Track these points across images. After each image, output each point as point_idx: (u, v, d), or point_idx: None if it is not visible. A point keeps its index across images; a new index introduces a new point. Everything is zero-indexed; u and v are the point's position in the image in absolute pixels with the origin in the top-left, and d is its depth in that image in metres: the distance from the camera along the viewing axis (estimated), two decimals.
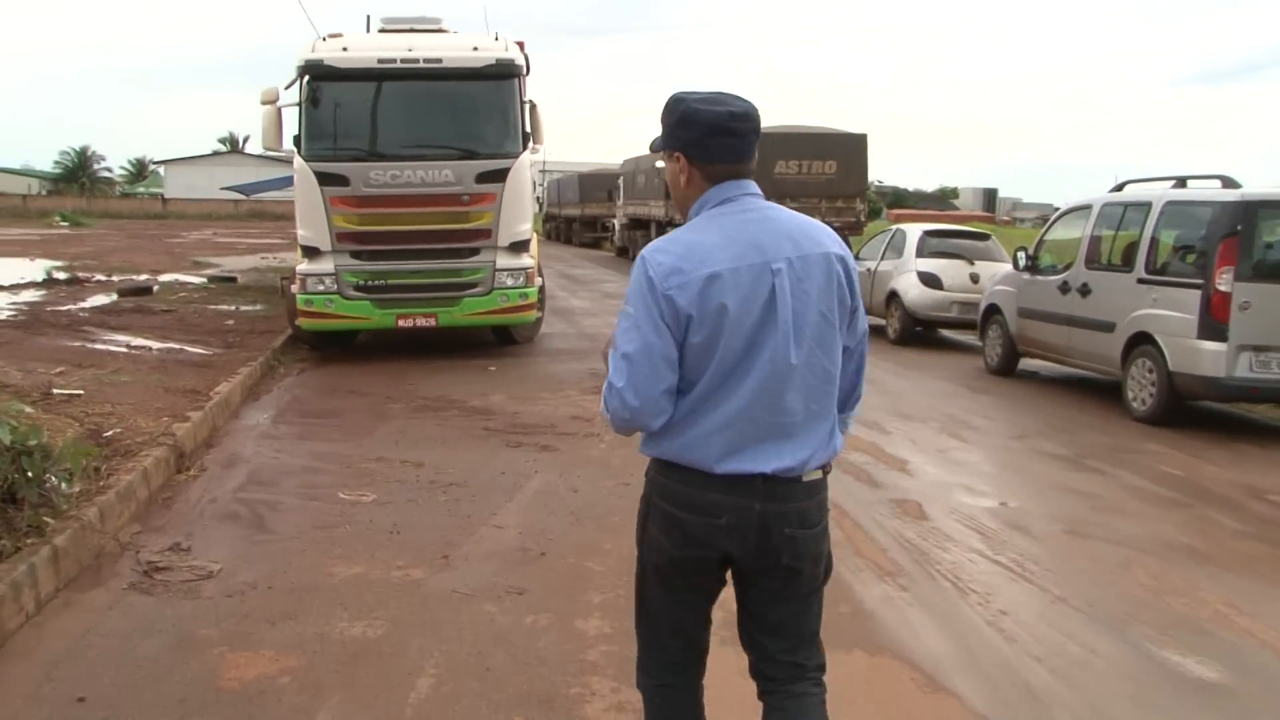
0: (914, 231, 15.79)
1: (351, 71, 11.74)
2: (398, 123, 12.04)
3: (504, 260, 12.24)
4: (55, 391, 8.52)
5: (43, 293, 19.16)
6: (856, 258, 16.45)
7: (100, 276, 22.83)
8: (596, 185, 41.66)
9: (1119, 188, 10.96)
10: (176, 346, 12.39)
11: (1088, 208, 11.01)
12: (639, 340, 2.50)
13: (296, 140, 11.88)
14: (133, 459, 6.53)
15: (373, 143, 12.00)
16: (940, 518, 6.32)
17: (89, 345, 12.25)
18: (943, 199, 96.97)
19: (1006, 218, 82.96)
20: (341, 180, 11.73)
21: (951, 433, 8.85)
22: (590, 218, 43.68)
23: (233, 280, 22.36)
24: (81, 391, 8.62)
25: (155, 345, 12.38)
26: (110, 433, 7.24)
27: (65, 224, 57.12)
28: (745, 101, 2.66)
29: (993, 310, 12.46)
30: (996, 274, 13.39)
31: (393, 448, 7.85)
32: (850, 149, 24.00)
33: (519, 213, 12.35)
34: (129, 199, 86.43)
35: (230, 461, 7.45)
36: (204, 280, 22.42)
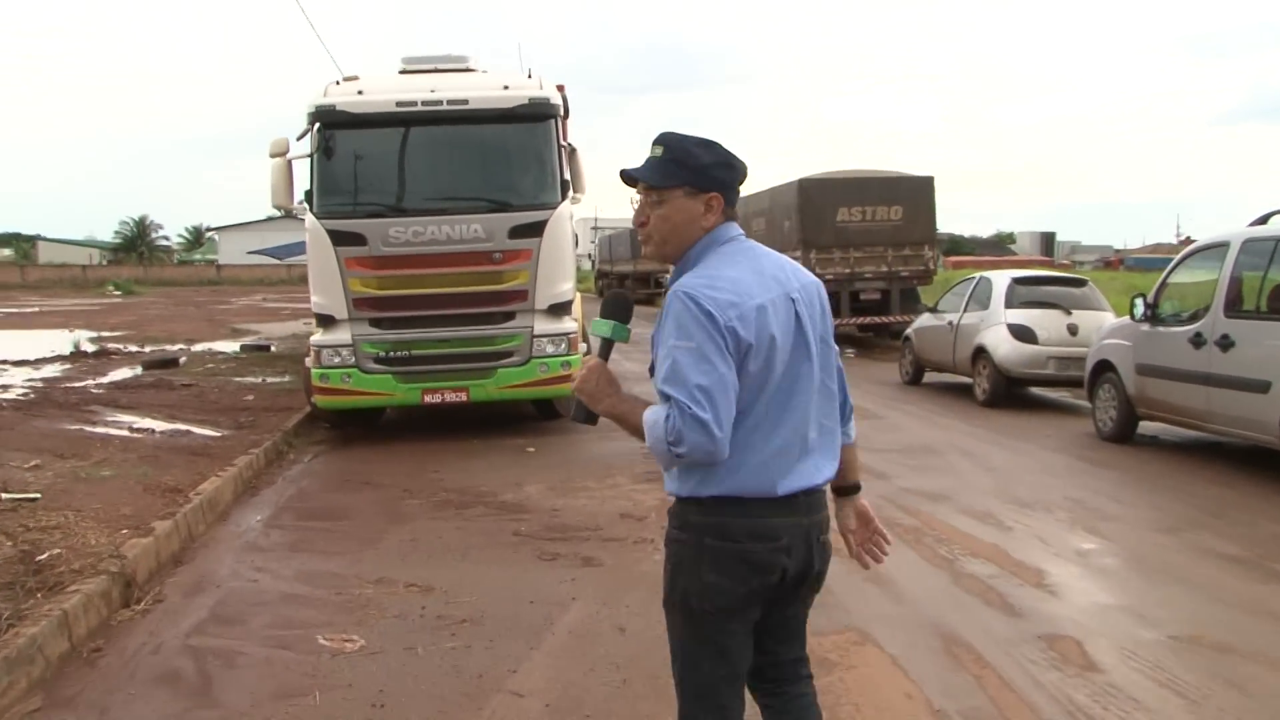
0: (1001, 280, 14.15)
1: (367, 117, 10.44)
2: (420, 173, 10.71)
3: (543, 325, 10.80)
4: (3, 496, 7.16)
5: (66, 367, 18.26)
6: (934, 310, 15.25)
7: (134, 348, 22.07)
8: None
9: (1262, 220, 9.28)
10: (183, 428, 11.11)
11: (1224, 245, 9.33)
12: (713, 372, 2.48)
13: (308, 196, 10.59)
14: (59, 595, 5.11)
15: (392, 196, 10.68)
16: (1113, 665, 4.68)
17: (86, 429, 11.01)
18: (999, 244, 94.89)
19: (1066, 261, 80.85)
20: (358, 239, 10.41)
21: (1086, 525, 7.18)
22: (643, 274, 42.71)
23: (266, 349, 21.27)
24: (39, 495, 7.25)
25: (160, 427, 11.12)
26: (47, 555, 5.83)
27: (118, 293, 57.22)
28: None
29: (1104, 367, 10.78)
30: (1102, 325, 11.75)
31: (400, 564, 6.37)
32: (916, 193, 22.41)
33: (559, 271, 10.92)
34: (185, 266, 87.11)
35: (196, 587, 6.01)
36: (237, 350, 21.32)
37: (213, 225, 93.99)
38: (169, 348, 21.93)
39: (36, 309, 40.35)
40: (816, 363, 2.69)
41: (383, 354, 10.61)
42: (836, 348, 2.87)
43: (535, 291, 10.72)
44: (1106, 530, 7.07)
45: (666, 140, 2.67)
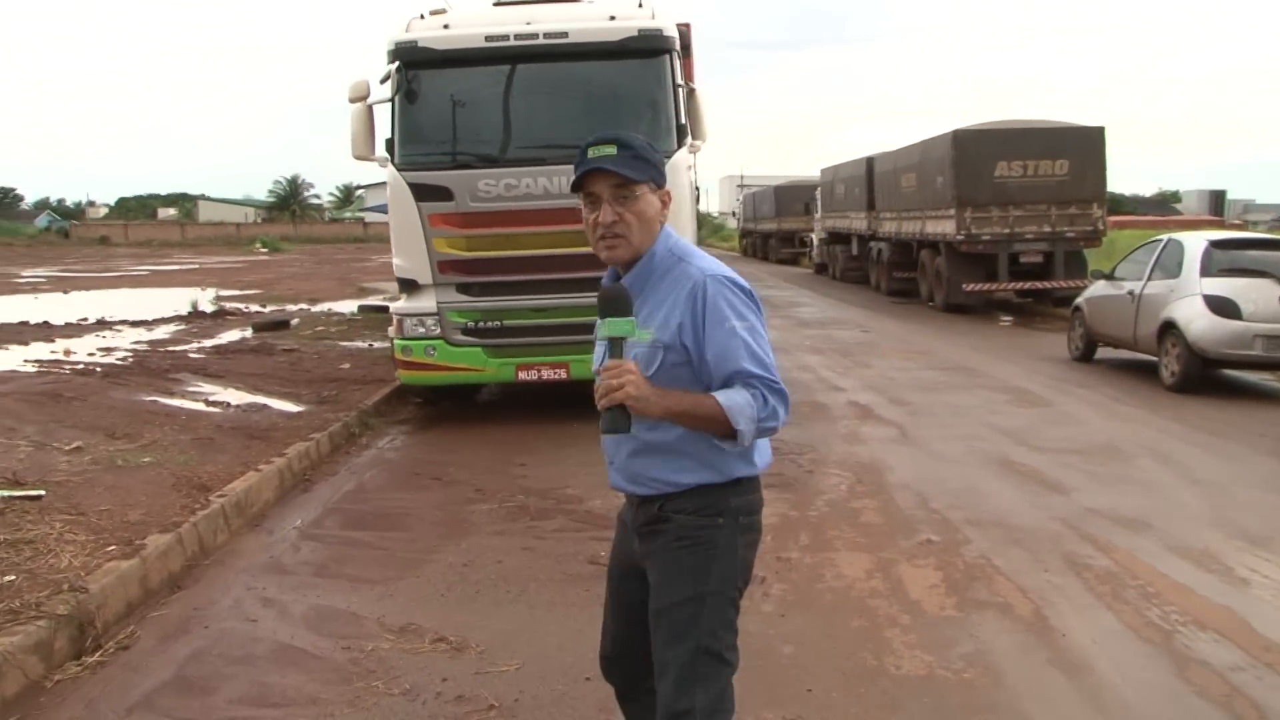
0: (1194, 243, 12.03)
1: (453, 54, 9.09)
2: (513, 118, 9.31)
3: None
4: (2, 494, 6.11)
5: (179, 328, 17.74)
6: (1110, 276, 13.20)
7: (256, 308, 21.55)
8: (793, 198, 39.39)
9: None
10: (260, 402, 10.13)
11: None
12: (769, 346, 2.60)
13: (389, 145, 9.34)
14: None
15: (482, 145, 9.33)
16: None
17: (160, 401, 10.12)
18: (1163, 203, 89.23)
19: (1237, 221, 75.30)
20: (443, 194, 9.11)
21: None
22: (787, 232, 41.38)
23: (384, 310, 20.39)
24: (43, 492, 6.18)
25: (236, 400, 10.19)
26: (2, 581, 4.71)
27: (265, 250, 58.06)
28: None
29: None
30: None
31: (438, 602, 5.05)
32: (1085, 144, 20.04)
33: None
34: (335, 224, 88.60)
35: (180, 627, 4.79)
36: (354, 311, 20.53)
37: (362, 184, 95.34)
38: (289, 308, 21.43)
39: (180, 266, 40.85)
40: None
41: (471, 324, 9.34)
42: None
43: None
44: None
45: (621, 139, 2.60)
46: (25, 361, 13.04)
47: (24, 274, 35.24)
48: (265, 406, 9.96)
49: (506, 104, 9.34)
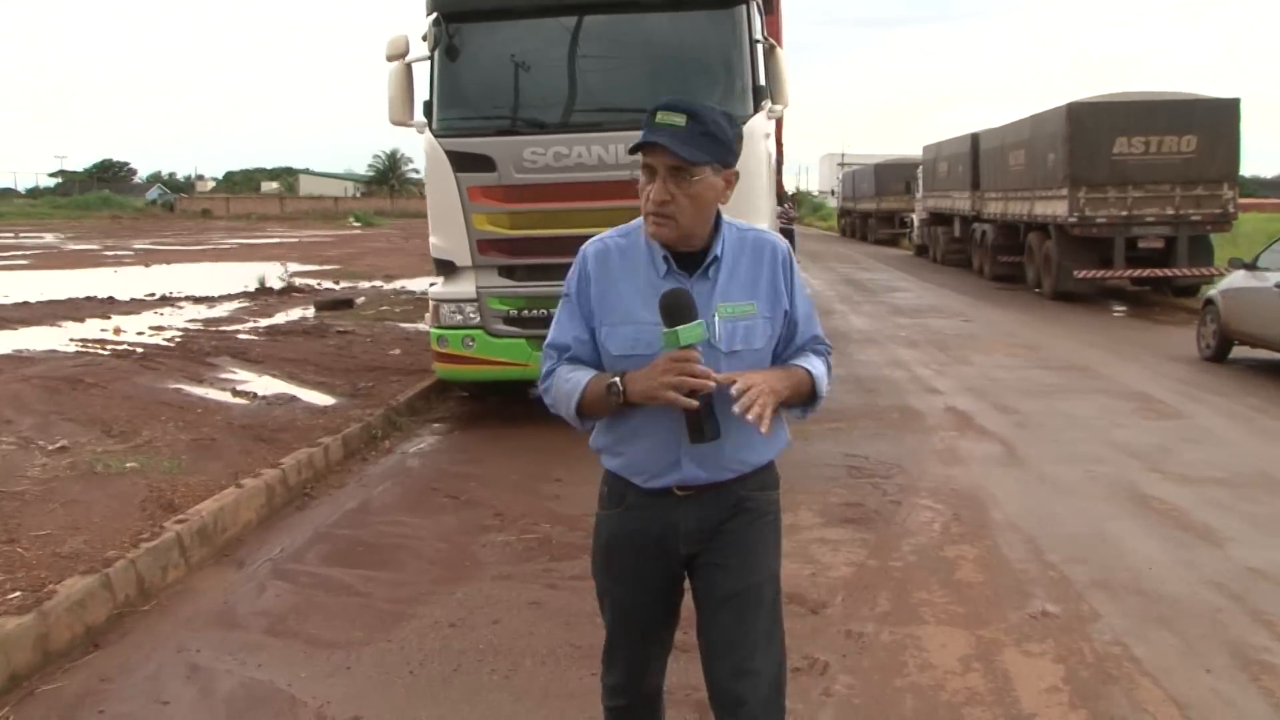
0: None
1: (499, 4, 7.98)
2: (564, 79, 8.15)
3: None
4: None
5: (240, 306, 17.12)
6: (1253, 266, 11.52)
7: (328, 284, 20.95)
8: (893, 176, 37.99)
9: None
10: (288, 393, 9.23)
11: None
12: None
13: (427, 108, 8.27)
14: None
15: (528, 108, 8.19)
16: None
17: (185, 390, 9.32)
18: None
19: None
20: (484, 163, 8.01)
21: None
22: (886, 212, 39.97)
23: None
24: None
25: (264, 391, 9.31)
26: None
27: (357, 224, 58.01)
28: None
29: None
30: None
31: (403, 683, 3.93)
32: (1216, 119, 18.22)
33: (748, 205, 8.12)
34: None
35: (66, 713, 3.76)
36: (425, 289, 19.70)
37: None
38: (362, 285, 20.87)
39: (269, 240, 40.69)
40: None
41: (514, 312, 8.24)
42: None
43: None
44: None
45: (692, 109, 2.38)
46: (70, 340, 12.57)
47: (117, 247, 35.30)
48: (293, 399, 9.02)
49: (556, 62, 8.18)
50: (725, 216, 2.54)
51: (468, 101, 8.27)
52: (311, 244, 37.43)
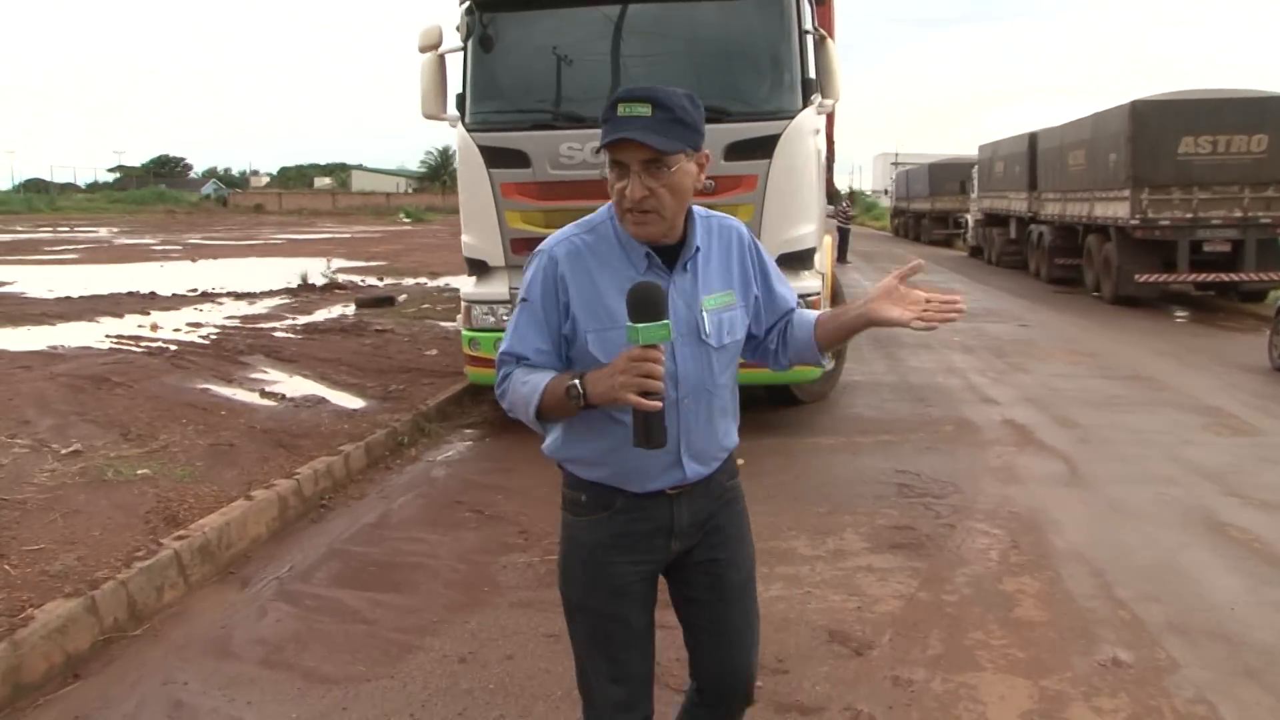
0: None
1: None
2: (602, 71, 7.78)
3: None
4: None
5: (280, 302, 17.03)
6: None
7: (373, 280, 20.85)
8: (948, 176, 37.20)
9: None
10: (317, 394, 8.97)
11: None
12: None
13: (460, 101, 7.93)
14: None
15: (565, 102, 7.83)
16: None
17: (212, 390, 9.10)
18: None
19: None
20: (519, 158, 7.66)
21: None
22: (940, 212, 39.20)
23: None
24: None
25: (293, 392, 9.07)
26: None
27: (408, 220, 58.12)
28: None
29: None
30: None
31: None
32: None
33: (796, 205, 7.76)
34: None
35: None
36: None
37: None
38: (406, 281, 20.73)
39: (319, 236, 40.74)
40: None
41: None
42: None
43: (761, 235, 7.63)
44: None
45: (655, 96, 2.24)
46: (106, 336, 12.52)
47: (168, 242, 35.48)
48: (321, 401, 8.74)
49: (595, 54, 7.81)
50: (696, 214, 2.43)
51: (502, 94, 7.92)
52: (360, 240, 37.39)
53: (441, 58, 7.96)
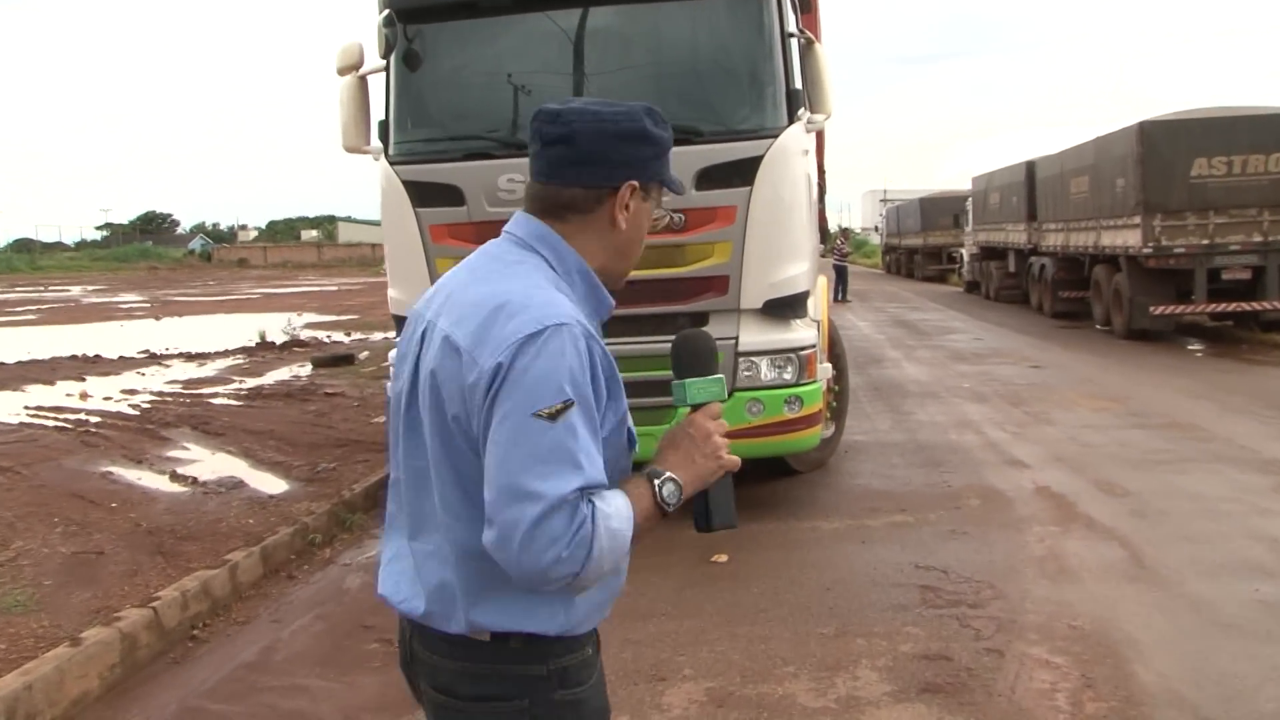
0: None
1: (465, 0, 6.40)
2: (550, 87, 6.52)
3: (754, 334, 6.38)
4: None
5: (232, 363, 15.94)
6: None
7: (338, 337, 19.76)
8: (940, 210, 36.29)
9: None
10: (234, 477, 7.89)
11: None
12: None
13: (382, 130, 6.69)
14: None
15: (505, 125, 6.57)
16: None
17: (114, 474, 8.09)
18: None
19: None
20: (450, 195, 6.38)
21: None
22: (933, 248, 38.28)
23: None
24: None
25: (208, 475, 8.04)
26: None
27: None
28: None
29: None
30: None
31: None
32: None
33: (785, 242, 6.49)
34: None
35: None
36: None
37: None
38: (374, 337, 19.73)
39: (296, 289, 39.74)
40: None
41: None
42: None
43: (743, 278, 6.33)
44: None
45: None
46: (25, 408, 11.52)
47: (141, 299, 34.45)
48: (238, 485, 7.54)
49: (541, 67, 6.58)
50: None
51: (430, 120, 6.68)
52: (338, 292, 36.31)
53: (363, 80, 6.72)
